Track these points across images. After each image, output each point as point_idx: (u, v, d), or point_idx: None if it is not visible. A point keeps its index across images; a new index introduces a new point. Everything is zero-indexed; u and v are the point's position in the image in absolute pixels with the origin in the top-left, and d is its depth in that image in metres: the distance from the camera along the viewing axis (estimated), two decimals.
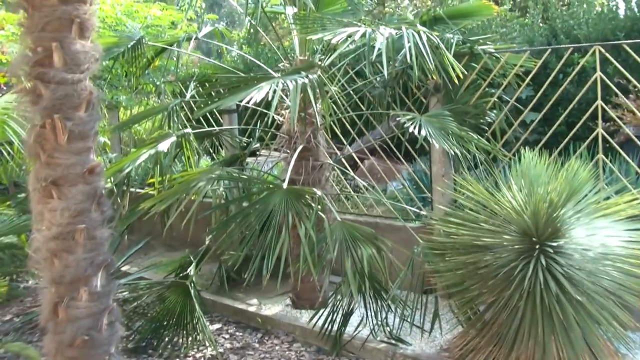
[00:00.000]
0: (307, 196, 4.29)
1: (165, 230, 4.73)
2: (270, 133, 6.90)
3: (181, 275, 5.24)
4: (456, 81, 4.38)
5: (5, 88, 7.55)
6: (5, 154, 6.40)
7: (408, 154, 6.11)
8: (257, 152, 7.02)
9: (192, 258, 5.30)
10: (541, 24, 7.61)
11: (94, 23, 3.37)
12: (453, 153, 4.36)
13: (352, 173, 6.05)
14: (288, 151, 5.36)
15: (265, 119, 6.66)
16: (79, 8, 3.26)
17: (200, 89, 5.65)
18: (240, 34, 13.05)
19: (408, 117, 4.63)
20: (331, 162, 5.44)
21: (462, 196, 4.43)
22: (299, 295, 5.48)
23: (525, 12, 8.66)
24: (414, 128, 4.48)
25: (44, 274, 3.40)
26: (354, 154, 6.40)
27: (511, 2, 8.92)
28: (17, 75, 3.32)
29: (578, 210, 4.03)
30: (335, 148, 6.23)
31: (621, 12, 7.21)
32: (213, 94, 5.47)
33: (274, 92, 3.97)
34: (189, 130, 4.84)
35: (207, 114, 7.20)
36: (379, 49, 4.08)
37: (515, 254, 3.93)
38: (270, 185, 4.46)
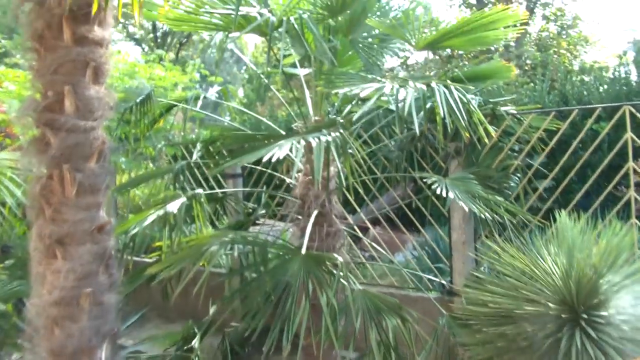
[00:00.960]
0: (327, 263, 3.97)
1: (163, 300, 4.39)
2: (276, 199, 6.64)
3: (184, 348, 4.85)
4: (486, 141, 4.14)
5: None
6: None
7: (418, 221, 5.84)
8: (259, 221, 6.70)
9: (195, 330, 4.92)
10: (550, 90, 7.50)
11: (109, 68, 3.12)
12: (483, 217, 4.07)
13: (366, 240, 5.75)
14: (300, 217, 5.06)
15: (273, 182, 6.47)
16: (94, 51, 3.01)
17: (208, 149, 5.37)
18: (236, 102, 12.94)
19: (433, 179, 4.36)
20: (345, 228, 5.14)
21: (494, 262, 4.12)
22: None
23: (533, 77, 8.57)
24: (441, 190, 4.21)
25: (42, 344, 3.04)
26: (366, 221, 6.10)
27: (518, 67, 8.84)
28: (24, 124, 3.04)
29: (624, 277, 3.74)
30: (346, 214, 5.93)
31: (633, 76, 7.11)
32: (225, 153, 5.21)
33: (297, 149, 3.70)
34: (200, 190, 4.54)
35: (210, 179, 6.92)
36: (404, 104, 3.84)
37: (557, 324, 3.61)
38: (288, 251, 4.14)
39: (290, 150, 3.82)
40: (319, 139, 3.82)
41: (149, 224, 4.14)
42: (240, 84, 24.49)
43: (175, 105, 5.30)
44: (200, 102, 5.26)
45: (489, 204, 4.19)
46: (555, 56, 13.24)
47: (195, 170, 5.57)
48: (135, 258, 5.60)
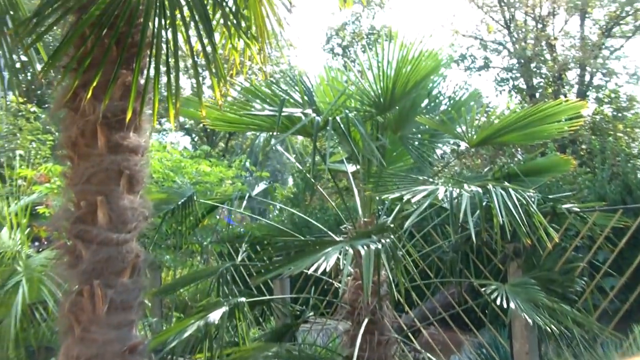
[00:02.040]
0: None
1: None
2: (325, 301, 6.37)
3: None
4: (548, 244, 3.84)
5: (46, 243, 7.20)
6: (37, 315, 5.95)
7: (474, 322, 5.49)
8: (308, 320, 6.41)
9: None
10: (610, 178, 7.16)
11: (144, 176, 2.96)
12: (549, 330, 3.74)
13: (417, 346, 5.41)
14: (349, 323, 4.78)
15: (322, 285, 6.20)
16: (129, 159, 2.86)
17: (252, 251, 5.19)
18: (284, 192, 12.81)
19: (492, 287, 4.06)
20: (397, 336, 4.83)
21: None
22: None
23: (590, 163, 8.26)
24: (501, 300, 3.90)
25: None
26: (418, 323, 5.77)
27: (574, 156, 8.52)
28: (57, 232, 2.88)
29: None
30: (396, 315, 5.61)
31: None
32: (271, 254, 5.01)
33: (345, 256, 3.48)
34: (242, 299, 4.30)
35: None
36: (458, 204, 3.60)
37: None
38: None
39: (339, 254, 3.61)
40: (368, 247, 3.60)
41: (188, 335, 3.90)
42: (289, 172, 24.53)
43: (218, 207, 5.15)
44: (244, 202, 5.12)
45: (555, 314, 3.86)
46: (612, 139, 12.86)
47: (242, 268, 5.38)
48: None
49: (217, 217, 6.11)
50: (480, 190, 3.67)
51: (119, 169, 2.82)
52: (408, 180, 4.10)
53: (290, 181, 21.89)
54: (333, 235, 4.67)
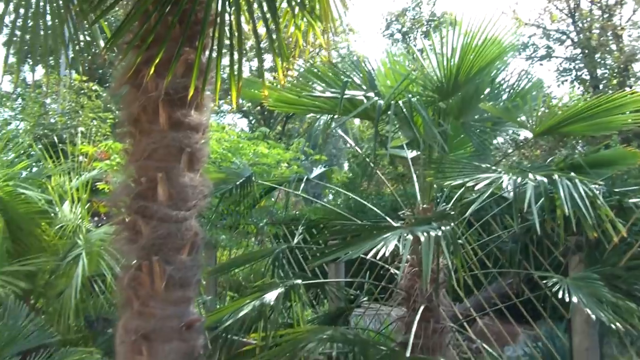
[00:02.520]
0: None
1: None
2: (380, 287, 6.32)
3: None
4: (615, 239, 3.71)
5: (105, 218, 7.32)
6: (96, 288, 6.07)
7: (530, 313, 5.37)
8: (362, 305, 6.37)
9: None
10: None
11: (205, 154, 2.96)
12: (614, 327, 3.61)
13: (473, 336, 5.32)
14: (404, 309, 4.72)
15: (376, 271, 6.16)
16: (190, 136, 2.86)
17: (311, 233, 5.17)
18: (339, 177, 12.75)
19: (554, 280, 3.95)
20: (453, 325, 4.76)
21: None
22: None
23: None
24: (563, 293, 3.79)
25: None
26: (473, 312, 5.68)
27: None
28: (117, 207, 2.90)
29: None
30: (452, 305, 5.54)
31: None
32: (327, 238, 4.98)
33: (404, 243, 3.42)
34: (298, 281, 4.29)
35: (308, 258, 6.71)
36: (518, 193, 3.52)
37: None
38: (391, 353, 3.80)
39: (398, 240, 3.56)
40: (428, 233, 3.53)
41: (243, 315, 3.90)
42: (345, 157, 24.46)
43: (276, 188, 5.14)
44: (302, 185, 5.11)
45: (619, 310, 3.73)
46: None
47: (297, 251, 5.37)
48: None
49: (273, 199, 6.11)
50: (545, 180, 3.57)
51: (180, 146, 2.82)
52: (470, 167, 4.00)
53: (346, 166, 21.81)
54: (390, 221, 4.61)
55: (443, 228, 3.66)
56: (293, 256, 6.05)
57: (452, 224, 3.82)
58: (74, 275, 5.66)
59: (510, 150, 11.34)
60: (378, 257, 3.50)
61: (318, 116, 4.58)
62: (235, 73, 2.81)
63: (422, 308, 4.30)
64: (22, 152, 6.86)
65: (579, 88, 18.93)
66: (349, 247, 3.69)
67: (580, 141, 14.19)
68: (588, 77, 18.54)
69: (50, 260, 5.76)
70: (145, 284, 2.76)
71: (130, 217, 2.82)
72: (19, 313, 4.21)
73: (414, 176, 5.02)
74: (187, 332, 2.81)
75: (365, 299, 6.01)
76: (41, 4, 3.00)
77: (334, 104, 4.14)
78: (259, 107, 22.87)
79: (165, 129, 2.82)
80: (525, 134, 4.83)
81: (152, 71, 2.75)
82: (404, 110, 3.91)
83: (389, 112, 3.89)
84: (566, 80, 19.51)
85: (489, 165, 4.03)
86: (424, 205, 4.70)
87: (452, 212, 4.27)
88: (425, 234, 3.52)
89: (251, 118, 24.69)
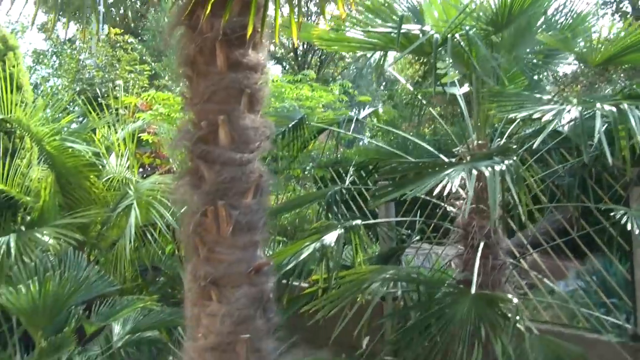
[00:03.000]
0: (501, 304, 3.54)
1: (308, 325, 4.12)
2: (432, 225, 6.24)
3: None
4: None
5: (149, 169, 7.31)
6: (148, 235, 6.09)
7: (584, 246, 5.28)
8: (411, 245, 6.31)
9: None
10: None
11: (265, 95, 2.87)
12: None
13: (526, 267, 5.23)
14: (460, 247, 4.65)
15: (427, 210, 6.07)
16: (249, 77, 2.77)
17: (361, 175, 5.08)
18: (387, 117, 12.54)
19: (620, 211, 3.84)
20: (512, 260, 4.68)
21: None
22: None
23: None
24: (632, 225, 3.68)
25: None
26: (528, 246, 5.58)
27: None
28: (176, 153, 2.84)
29: None
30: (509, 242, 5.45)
31: None
32: (378, 177, 4.89)
33: (469, 179, 3.33)
34: (358, 221, 4.23)
35: (361, 202, 6.64)
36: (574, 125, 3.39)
37: None
38: (456, 290, 3.75)
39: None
40: (493, 168, 3.43)
41: (304, 257, 3.87)
42: (379, 100, 24.20)
43: (327, 129, 5.04)
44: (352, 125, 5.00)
45: None
46: None
47: (348, 193, 5.30)
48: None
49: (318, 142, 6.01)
50: (614, 109, 3.42)
51: (239, 87, 2.73)
52: (532, 99, 3.87)
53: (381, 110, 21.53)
54: (444, 158, 4.51)
55: (507, 162, 3.56)
56: (344, 198, 5.98)
57: (515, 157, 3.72)
58: (125, 225, 5.69)
59: (548, 87, 11.06)
60: (436, 195, 3.42)
61: (369, 55, 4.45)
62: (295, 4, 2.70)
63: (482, 245, 4.23)
64: (64, 107, 6.84)
65: (619, 21, 18.31)
66: (410, 184, 3.61)
67: (622, 75, 13.80)
68: (630, 10, 17.91)
69: (101, 212, 5.79)
70: (211, 230, 2.71)
71: (192, 163, 2.76)
72: (79, 264, 4.22)
73: (465, 113, 4.90)
74: (256, 276, 2.76)
75: (417, 238, 5.95)
76: None
77: (387, 40, 4.01)
78: (292, 54, 22.65)
79: (224, 70, 2.73)
80: (564, 69, 4.66)
81: (208, 11, 2.65)
82: (462, 44, 3.77)
83: (444, 47, 3.76)
84: (606, 14, 18.88)
85: (550, 97, 3.90)
86: (479, 142, 4.59)
87: (514, 146, 4.16)
88: (489, 168, 3.43)
89: (284, 64, 24.48)
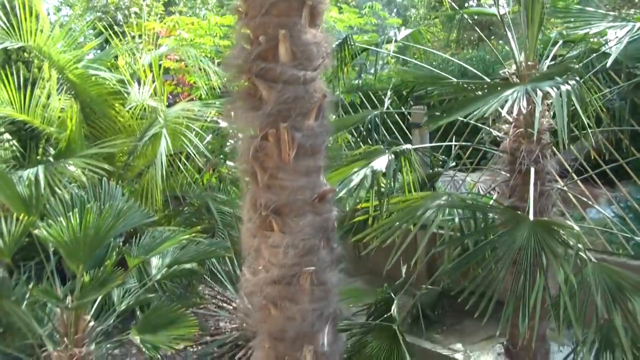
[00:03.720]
0: (561, 232, 3.36)
1: (360, 257, 3.98)
2: (470, 150, 6.05)
3: (383, 316, 4.41)
4: None
5: (170, 97, 7.09)
6: (177, 163, 5.95)
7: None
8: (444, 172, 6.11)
9: (392, 295, 4.46)
10: None
11: (326, 7, 2.63)
12: None
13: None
14: (505, 173, 4.47)
15: (466, 132, 5.86)
16: None
17: (401, 97, 4.85)
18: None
19: None
20: (561, 186, 4.51)
21: None
22: (516, 344, 4.52)
23: None
24: None
25: (258, 326, 2.68)
26: (574, 175, 5.39)
27: None
28: (231, 74, 2.62)
29: None
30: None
31: None
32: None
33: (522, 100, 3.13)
34: (409, 146, 4.02)
35: (392, 127, 6.42)
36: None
37: None
38: (513, 217, 3.57)
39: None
40: (559, 88, 3.22)
41: (355, 185, 3.67)
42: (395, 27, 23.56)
43: (368, 49, 4.79)
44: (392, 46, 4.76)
45: None
46: None
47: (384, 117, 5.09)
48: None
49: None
50: None
51: None
52: (598, 15, 3.62)
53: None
54: (487, 80, 4.31)
55: (571, 82, 3.36)
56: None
57: (577, 78, 3.51)
58: (152, 155, 5.52)
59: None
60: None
61: None
62: None
63: (532, 170, 4.04)
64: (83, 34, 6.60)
65: None
66: (467, 107, 3.40)
67: None
68: None
69: (128, 141, 5.60)
70: (273, 155, 2.51)
71: (249, 82, 2.54)
72: (114, 194, 4.05)
73: (510, 34, 4.66)
74: (320, 204, 2.58)
75: (453, 164, 5.77)
76: None
77: None
78: None
79: None
80: None
81: None
82: None
83: None
84: None
85: (616, 14, 3.65)
86: (528, 62, 4.35)
87: (577, 66, 3.92)
88: (554, 89, 3.22)
89: None
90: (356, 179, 3.69)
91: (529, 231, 3.34)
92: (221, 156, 6.52)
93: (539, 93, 3.21)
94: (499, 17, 4.99)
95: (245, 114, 2.53)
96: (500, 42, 9.19)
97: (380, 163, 3.81)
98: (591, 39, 4.89)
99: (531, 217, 3.49)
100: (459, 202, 3.68)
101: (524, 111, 3.95)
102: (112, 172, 5.42)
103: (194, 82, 6.73)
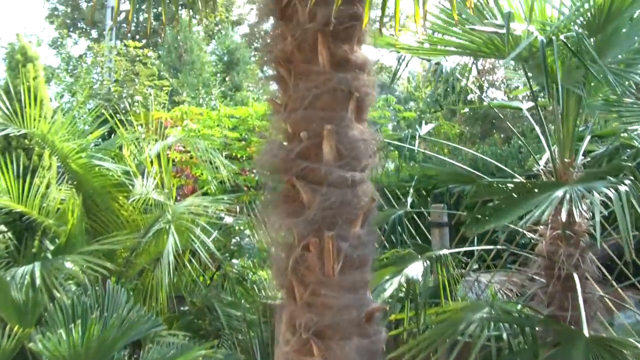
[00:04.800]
0: (624, 351, 3.01)
1: None
2: (494, 252, 5.70)
3: None
4: None
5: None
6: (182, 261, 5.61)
7: None
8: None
9: None
10: None
11: (373, 100, 2.35)
12: None
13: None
14: (541, 279, 4.15)
15: (489, 233, 5.53)
16: (359, 77, 2.25)
17: (427, 195, 4.56)
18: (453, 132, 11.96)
19: None
20: (602, 293, 4.18)
21: None
22: None
23: None
24: None
25: None
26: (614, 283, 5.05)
27: None
28: (264, 173, 2.31)
29: None
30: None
31: None
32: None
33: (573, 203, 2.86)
34: (445, 251, 3.69)
35: (409, 227, 6.09)
36: None
37: None
38: (566, 332, 3.22)
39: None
40: (617, 190, 2.94)
41: (390, 295, 3.31)
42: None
43: (394, 144, 4.53)
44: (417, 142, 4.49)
45: None
46: None
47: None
48: None
49: None
50: None
51: (348, 90, 2.21)
52: None
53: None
54: (519, 178, 4.06)
55: (627, 182, 3.09)
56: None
57: (632, 177, 3.24)
58: (154, 252, 5.19)
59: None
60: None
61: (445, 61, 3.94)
62: None
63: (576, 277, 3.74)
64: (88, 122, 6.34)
65: None
66: (513, 209, 3.11)
67: None
68: None
69: (130, 237, 5.26)
70: (315, 267, 2.17)
71: (288, 184, 2.22)
72: (118, 298, 3.68)
73: (538, 129, 4.45)
74: (368, 324, 2.23)
75: (476, 266, 5.45)
76: None
77: (481, 42, 3.49)
78: None
79: (328, 69, 2.21)
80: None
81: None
82: (570, 47, 3.27)
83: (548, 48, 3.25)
84: None
85: None
86: (565, 159, 4.10)
87: (629, 164, 3.64)
88: (613, 190, 2.95)
89: None
90: (389, 288, 3.32)
91: (585, 350, 3.00)
92: (226, 254, 6.17)
93: (596, 195, 2.94)
94: (525, 111, 4.78)
95: (284, 220, 2.20)
96: (512, 137, 8.98)
97: (415, 269, 3.46)
98: (621, 134, 4.68)
99: (585, 332, 3.14)
100: (504, 314, 3.32)
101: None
102: (113, 270, 5.06)
103: (200, 175, 6.45)
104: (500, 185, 3.71)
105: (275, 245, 2.28)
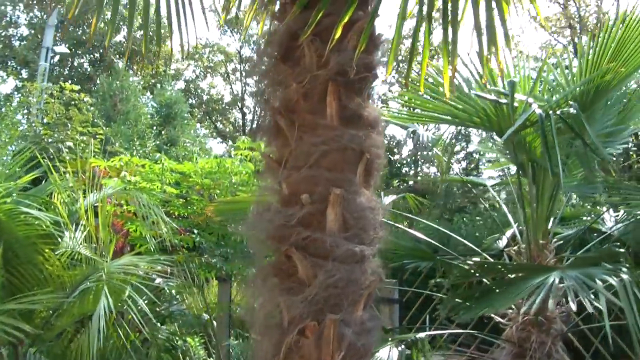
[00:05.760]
0: None
1: None
2: (446, 336, 5.42)
3: None
4: None
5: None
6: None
7: None
8: None
9: None
10: None
11: (382, 164, 2.04)
12: None
13: None
14: None
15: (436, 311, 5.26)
16: (371, 136, 1.94)
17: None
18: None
19: None
20: None
21: None
22: None
23: None
24: None
25: None
26: None
27: None
28: (254, 236, 1.95)
29: None
30: None
31: None
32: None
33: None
34: (422, 334, 3.35)
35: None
36: None
37: None
38: None
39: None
40: (619, 277, 2.75)
41: None
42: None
43: None
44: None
45: None
46: None
47: None
48: None
49: None
50: None
51: (360, 149, 1.90)
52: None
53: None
54: (488, 258, 3.86)
55: (625, 270, 2.91)
56: None
57: (627, 264, 3.06)
58: (78, 313, 4.69)
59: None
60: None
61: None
62: (450, 44, 1.89)
63: None
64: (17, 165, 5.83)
65: None
66: (503, 294, 2.86)
67: None
68: None
69: (53, 296, 4.74)
70: (311, 356, 1.81)
71: (284, 255, 1.87)
72: None
73: (505, 207, 4.27)
74: None
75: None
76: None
77: (472, 112, 3.26)
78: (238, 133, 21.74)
79: (337, 123, 1.90)
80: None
81: (333, 44, 1.83)
82: (567, 121, 3.08)
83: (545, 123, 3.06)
84: None
85: None
86: (542, 241, 3.91)
87: (622, 250, 3.45)
88: (616, 278, 2.76)
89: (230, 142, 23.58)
90: None
91: None
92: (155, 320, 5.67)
93: (600, 284, 2.72)
94: (489, 188, 4.62)
95: (279, 297, 1.84)
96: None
97: (387, 354, 3.11)
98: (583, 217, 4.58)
99: None
100: None
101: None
102: (29, 333, 4.52)
103: (134, 231, 5.96)
104: (498, 267, 3.47)
105: (260, 327, 1.90)
